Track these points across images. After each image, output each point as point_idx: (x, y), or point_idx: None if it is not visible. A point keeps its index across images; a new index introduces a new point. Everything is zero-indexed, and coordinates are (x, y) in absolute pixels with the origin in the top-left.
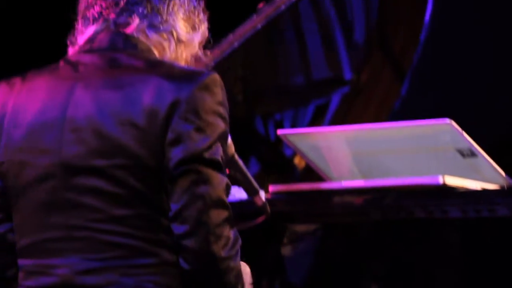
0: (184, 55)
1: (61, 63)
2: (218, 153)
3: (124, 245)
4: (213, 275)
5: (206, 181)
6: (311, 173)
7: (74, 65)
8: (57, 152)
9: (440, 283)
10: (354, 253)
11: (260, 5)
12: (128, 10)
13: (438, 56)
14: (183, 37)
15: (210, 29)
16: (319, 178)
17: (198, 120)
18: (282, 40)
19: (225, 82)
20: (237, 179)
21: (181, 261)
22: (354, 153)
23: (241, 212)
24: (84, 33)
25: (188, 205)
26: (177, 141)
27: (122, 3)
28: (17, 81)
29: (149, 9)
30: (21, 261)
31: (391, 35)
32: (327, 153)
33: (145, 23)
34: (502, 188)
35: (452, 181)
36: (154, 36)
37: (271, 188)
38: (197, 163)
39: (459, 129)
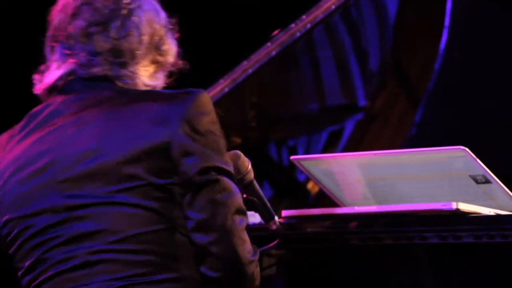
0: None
1: (34, 111)
2: (229, 163)
3: (143, 262)
4: (241, 279)
5: (226, 189)
6: (324, 199)
7: (52, 108)
8: (59, 190)
9: None
10: (367, 278)
11: (275, 32)
12: (96, 63)
13: (453, 83)
14: (148, 81)
15: (226, 55)
16: (332, 203)
17: (198, 135)
18: (297, 67)
19: (239, 108)
20: (254, 204)
21: (206, 270)
22: (368, 179)
23: (253, 237)
24: (50, 69)
25: (213, 213)
26: (186, 154)
27: (89, 46)
28: (3, 138)
29: (117, 57)
30: None
31: (406, 63)
32: (341, 178)
33: (114, 70)
34: None
35: (466, 207)
36: (120, 83)
37: (284, 213)
38: (215, 172)
39: (473, 156)
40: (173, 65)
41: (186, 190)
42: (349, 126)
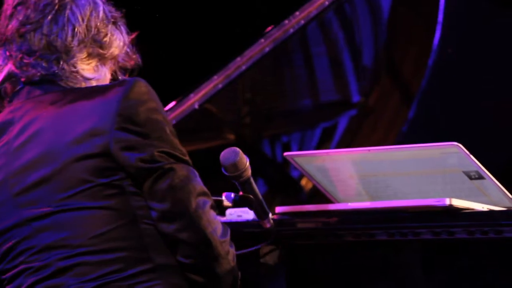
0: (103, 81)
1: None
2: (179, 148)
3: (113, 260)
4: (215, 261)
5: (182, 174)
6: (317, 195)
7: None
8: (17, 204)
9: None
10: (360, 274)
11: (268, 28)
12: (32, 63)
13: (446, 79)
14: (89, 74)
15: (219, 51)
16: (325, 200)
17: (136, 127)
18: (290, 63)
19: (233, 104)
20: (250, 202)
21: (180, 258)
22: (361, 175)
23: (246, 233)
24: None
25: (175, 201)
26: (126, 148)
27: (24, 46)
28: None
29: (51, 53)
30: None
31: (400, 59)
32: (334, 175)
33: (51, 68)
34: (509, 210)
35: (459, 203)
36: (62, 82)
37: (278, 209)
38: (165, 160)
39: (467, 152)
40: (124, 58)
41: (140, 181)
42: (342, 122)
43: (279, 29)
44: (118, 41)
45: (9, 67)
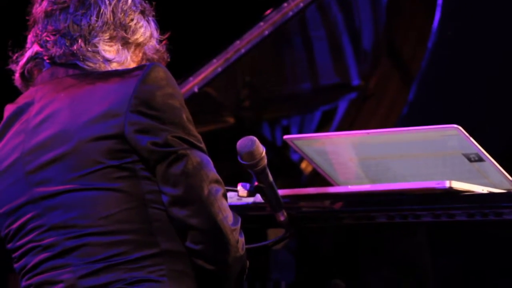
0: (124, 65)
1: (13, 106)
2: (194, 135)
3: (119, 242)
4: (224, 249)
5: (196, 160)
6: (317, 178)
7: (21, 103)
8: (30, 182)
9: (446, 287)
10: (360, 256)
11: (268, 11)
12: (55, 40)
13: (446, 62)
14: (109, 56)
15: (218, 35)
16: (325, 183)
17: (152, 111)
18: (290, 46)
19: (233, 87)
20: (264, 192)
21: (189, 244)
22: (361, 158)
23: (246, 216)
24: (23, 55)
25: (187, 186)
26: (141, 131)
27: (50, 25)
28: None
29: (75, 31)
30: (25, 283)
31: (399, 41)
32: (334, 158)
33: (73, 47)
34: (509, 192)
35: (459, 185)
36: (82, 63)
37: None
38: (179, 145)
39: (466, 134)
40: (151, 51)
41: (152, 165)
42: (342, 106)
43: (278, 12)
44: (144, 30)
45: (34, 47)
